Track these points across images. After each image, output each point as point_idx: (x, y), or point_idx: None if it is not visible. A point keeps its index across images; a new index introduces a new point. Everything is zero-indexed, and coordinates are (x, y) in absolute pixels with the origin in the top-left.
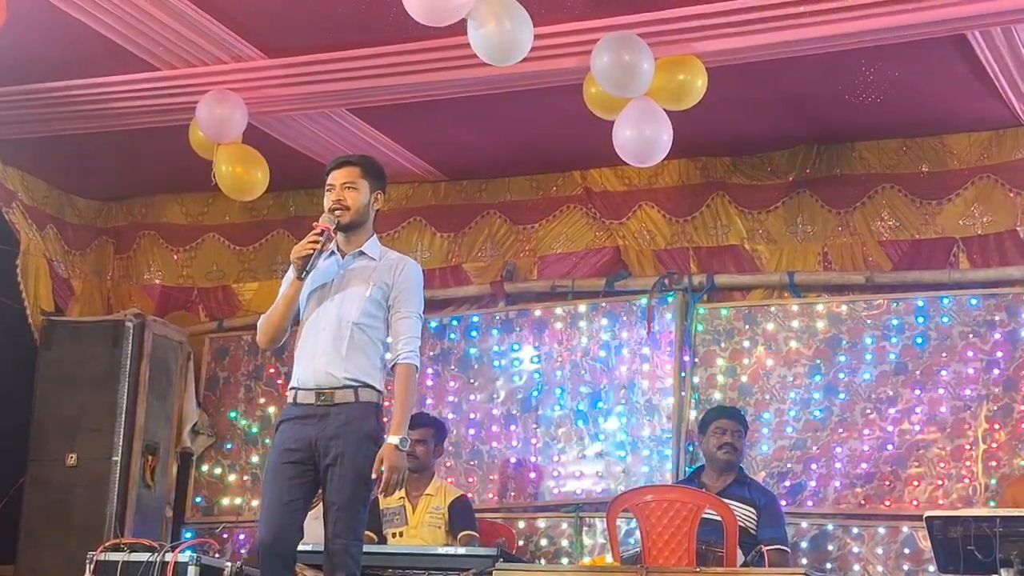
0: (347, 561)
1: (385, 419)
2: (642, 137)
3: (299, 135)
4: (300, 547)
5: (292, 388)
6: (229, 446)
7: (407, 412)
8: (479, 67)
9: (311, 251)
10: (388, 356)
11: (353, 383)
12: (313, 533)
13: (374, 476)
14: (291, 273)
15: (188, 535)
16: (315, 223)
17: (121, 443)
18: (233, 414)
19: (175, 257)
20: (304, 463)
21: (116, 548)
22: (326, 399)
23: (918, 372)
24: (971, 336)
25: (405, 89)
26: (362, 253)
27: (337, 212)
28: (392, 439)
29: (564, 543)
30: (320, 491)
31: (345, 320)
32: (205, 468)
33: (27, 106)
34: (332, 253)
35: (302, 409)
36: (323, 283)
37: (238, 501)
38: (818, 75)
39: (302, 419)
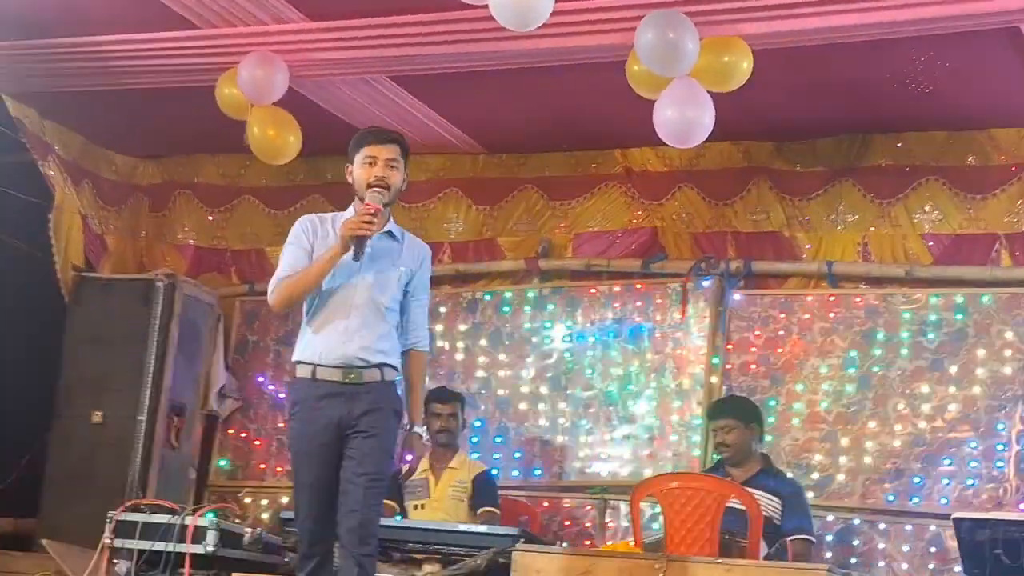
0: (375, 532)
1: None
2: (683, 118)
3: (338, 100)
4: None
5: (310, 363)
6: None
7: (422, 400)
8: (523, 39)
9: (366, 232)
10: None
11: (382, 364)
12: None
13: (402, 466)
14: (334, 246)
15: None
16: (367, 202)
17: (147, 403)
18: (261, 378)
19: (210, 218)
20: (332, 445)
21: (136, 508)
22: (355, 378)
23: (954, 369)
24: (1009, 335)
25: (447, 59)
26: (390, 234)
27: (379, 190)
28: (418, 429)
29: (587, 525)
30: None
31: (379, 304)
32: (231, 432)
33: (67, 60)
34: None
35: (324, 387)
36: (352, 260)
37: (263, 466)
38: (867, 63)
39: (325, 398)
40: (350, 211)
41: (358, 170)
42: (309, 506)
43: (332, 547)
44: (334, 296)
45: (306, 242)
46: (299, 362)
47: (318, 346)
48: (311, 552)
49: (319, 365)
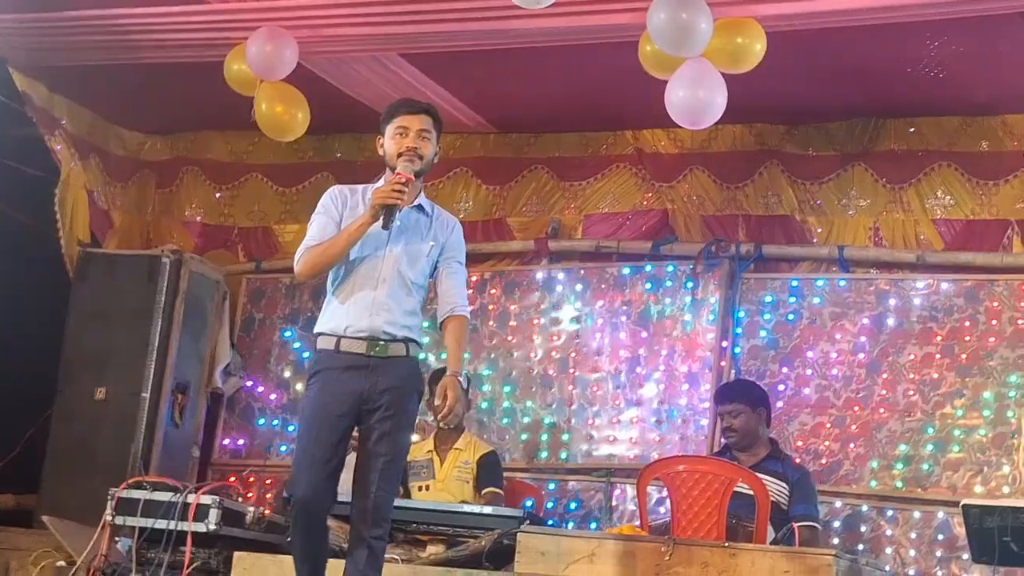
0: (389, 514)
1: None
2: (695, 98)
3: (347, 78)
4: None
5: (333, 335)
6: (260, 389)
7: (462, 354)
8: (535, 18)
9: (396, 201)
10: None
11: (407, 339)
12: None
13: (437, 402)
14: (364, 214)
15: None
16: (398, 171)
17: (151, 380)
18: (267, 357)
19: (217, 195)
20: (348, 418)
21: (139, 486)
22: (380, 351)
23: (964, 355)
24: (1021, 322)
25: (458, 37)
26: (420, 207)
27: (411, 159)
28: (458, 373)
29: (594, 507)
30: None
31: (406, 278)
32: (235, 410)
33: (76, 33)
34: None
35: (347, 359)
36: (380, 231)
37: (267, 446)
38: (880, 47)
39: (348, 369)
40: (381, 182)
41: (389, 141)
42: (311, 475)
43: (326, 520)
44: (361, 267)
45: (335, 212)
46: (322, 333)
47: (343, 317)
48: (301, 521)
49: (343, 336)
